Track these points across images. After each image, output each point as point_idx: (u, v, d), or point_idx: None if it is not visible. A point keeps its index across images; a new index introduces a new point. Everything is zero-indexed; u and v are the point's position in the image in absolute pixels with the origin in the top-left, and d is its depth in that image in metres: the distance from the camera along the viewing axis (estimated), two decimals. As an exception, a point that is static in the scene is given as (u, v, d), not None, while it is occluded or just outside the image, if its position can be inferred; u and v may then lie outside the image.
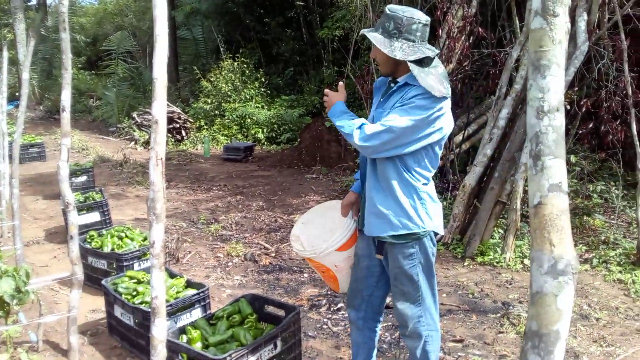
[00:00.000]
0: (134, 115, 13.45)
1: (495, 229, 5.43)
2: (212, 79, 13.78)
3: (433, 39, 6.72)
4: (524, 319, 3.90)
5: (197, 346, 2.82)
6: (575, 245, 5.53)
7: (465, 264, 5.14)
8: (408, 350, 2.70)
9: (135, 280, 3.59)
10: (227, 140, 12.32)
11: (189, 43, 18.55)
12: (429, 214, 2.49)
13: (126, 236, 4.39)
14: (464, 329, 3.83)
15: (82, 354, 3.31)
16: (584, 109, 5.70)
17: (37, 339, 3.09)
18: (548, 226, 1.48)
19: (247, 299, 3.24)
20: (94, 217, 5.51)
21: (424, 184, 2.47)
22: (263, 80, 13.95)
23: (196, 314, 3.36)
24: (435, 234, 2.56)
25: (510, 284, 4.69)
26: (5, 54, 4.96)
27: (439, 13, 6.75)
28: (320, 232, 2.71)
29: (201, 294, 3.39)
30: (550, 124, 1.46)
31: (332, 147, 10.11)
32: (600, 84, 5.85)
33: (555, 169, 1.48)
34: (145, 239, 4.39)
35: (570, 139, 6.68)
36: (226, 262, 5.03)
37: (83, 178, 7.40)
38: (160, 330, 1.82)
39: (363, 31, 2.49)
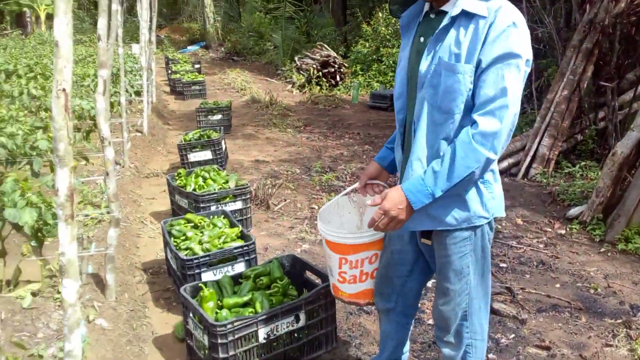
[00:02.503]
0: (296, 58, 13.52)
1: (650, 211, 4.26)
2: (372, 23, 13.21)
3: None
4: (649, 334, 2.97)
5: (208, 306, 2.54)
6: None
7: (602, 249, 4.15)
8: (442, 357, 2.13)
9: (192, 224, 3.45)
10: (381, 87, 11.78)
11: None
12: (494, 198, 1.87)
13: (210, 177, 4.29)
14: (562, 332, 3.03)
15: (132, 292, 3.30)
16: None
17: (81, 272, 3.10)
18: None
19: (281, 260, 2.88)
20: (206, 155, 5.55)
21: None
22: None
23: (239, 267, 3.11)
24: (495, 218, 1.92)
25: (654, 284, 3.65)
26: None
27: None
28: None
29: (245, 248, 3.10)
30: None
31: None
32: None
33: None
34: (226, 181, 4.24)
35: None
36: (319, 214, 4.71)
37: (218, 116, 7.58)
38: (70, 292, 1.52)
39: None
